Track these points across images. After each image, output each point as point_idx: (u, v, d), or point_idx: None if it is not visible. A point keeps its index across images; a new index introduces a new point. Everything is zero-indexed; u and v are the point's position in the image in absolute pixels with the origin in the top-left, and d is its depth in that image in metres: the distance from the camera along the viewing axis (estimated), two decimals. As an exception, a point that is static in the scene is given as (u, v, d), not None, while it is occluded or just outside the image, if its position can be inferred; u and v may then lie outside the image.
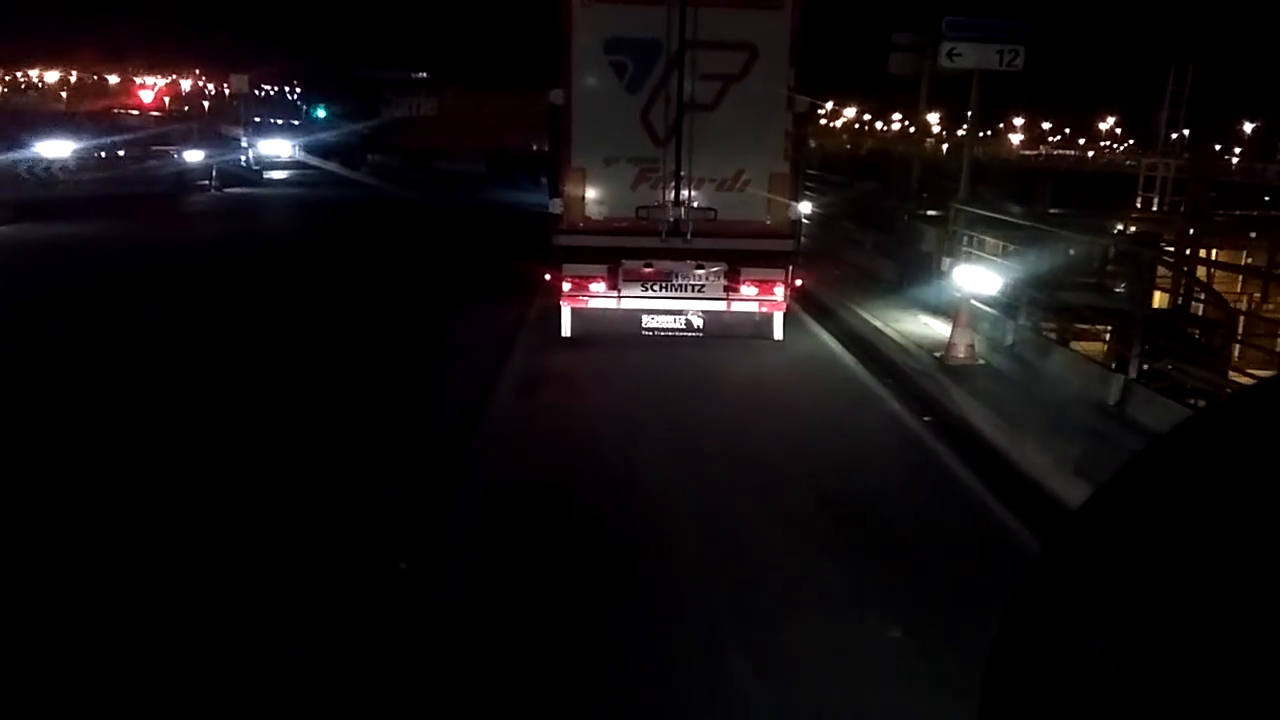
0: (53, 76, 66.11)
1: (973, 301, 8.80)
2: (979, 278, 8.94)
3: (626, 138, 8.51)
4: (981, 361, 8.54)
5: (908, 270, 12.16)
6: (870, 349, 9.45)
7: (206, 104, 50.26)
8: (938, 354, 8.70)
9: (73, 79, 64.97)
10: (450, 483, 5.49)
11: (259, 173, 31.35)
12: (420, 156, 33.51)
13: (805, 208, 17.56)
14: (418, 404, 7.31)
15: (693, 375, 8.25)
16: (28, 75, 67.29)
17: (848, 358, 9.30)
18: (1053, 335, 9.74)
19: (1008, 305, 9.21)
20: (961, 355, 8.48)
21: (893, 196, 20.30)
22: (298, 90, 35.42)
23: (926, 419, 7.22)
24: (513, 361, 8.60)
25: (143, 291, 11.68)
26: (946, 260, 11.06)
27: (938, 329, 9.63)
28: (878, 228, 15.33)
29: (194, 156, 27.15)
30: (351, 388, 7.63)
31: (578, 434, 6.70)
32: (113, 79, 57.59)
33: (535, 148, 32.01)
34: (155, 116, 32.95)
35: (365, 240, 17.33)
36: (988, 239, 12.27)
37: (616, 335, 8.99)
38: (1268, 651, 0.82)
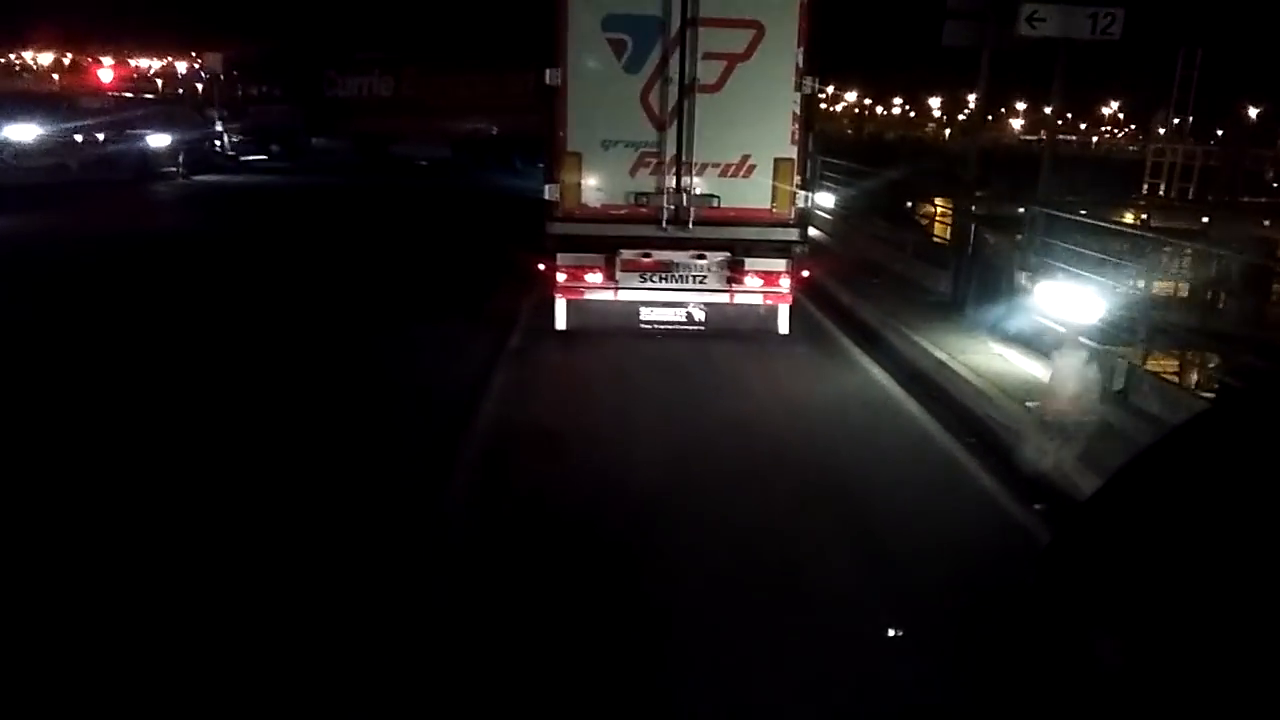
0: (47, 59, 65.00)
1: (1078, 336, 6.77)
2: (1069, 299, 7.04)
3: (625, 120, 8.25)
4: (1092, 416, 6.35)
5: (965, 283, 10.23)
6: (937, 391, 7.70)
7: (172, 85, 48.66)
8: (1030, 403, 6.80)
9: (66, 61, 63.91)
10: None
11: (235, 158, 30.11)
12: (372, 140, 32.02)
13: (827, 200, 16.71)
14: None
15: (711, 419, 6.77)
16: (21, 57, 66.16)
17: (909, 403, 7.45)
18: (1174, 376, 8.35)
19: (1113, 336, 7.31)
20: (1065, 407, 6.33)
21: (921, 188, 19.72)
22: (234, 72, 33.94)
23: (1038, 507, 5.39)
24: (479, 424, 6.57)
25: (31, 293, 10.27)
26: (1022, 274, 9.15)
27: (1019, 365, 7.94)
28: (915, 226, 14.37)
29: (160, 140, 25.49)
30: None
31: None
32: (106, 60, 56.47)
33: (496, 131, 30.66)
34: (121, 97, 30.58)
35: (329, 235, 15.81)
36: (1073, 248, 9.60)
37: (613, 329, 8.75)
38: (1273, 648, 0.82)
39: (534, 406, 7.19)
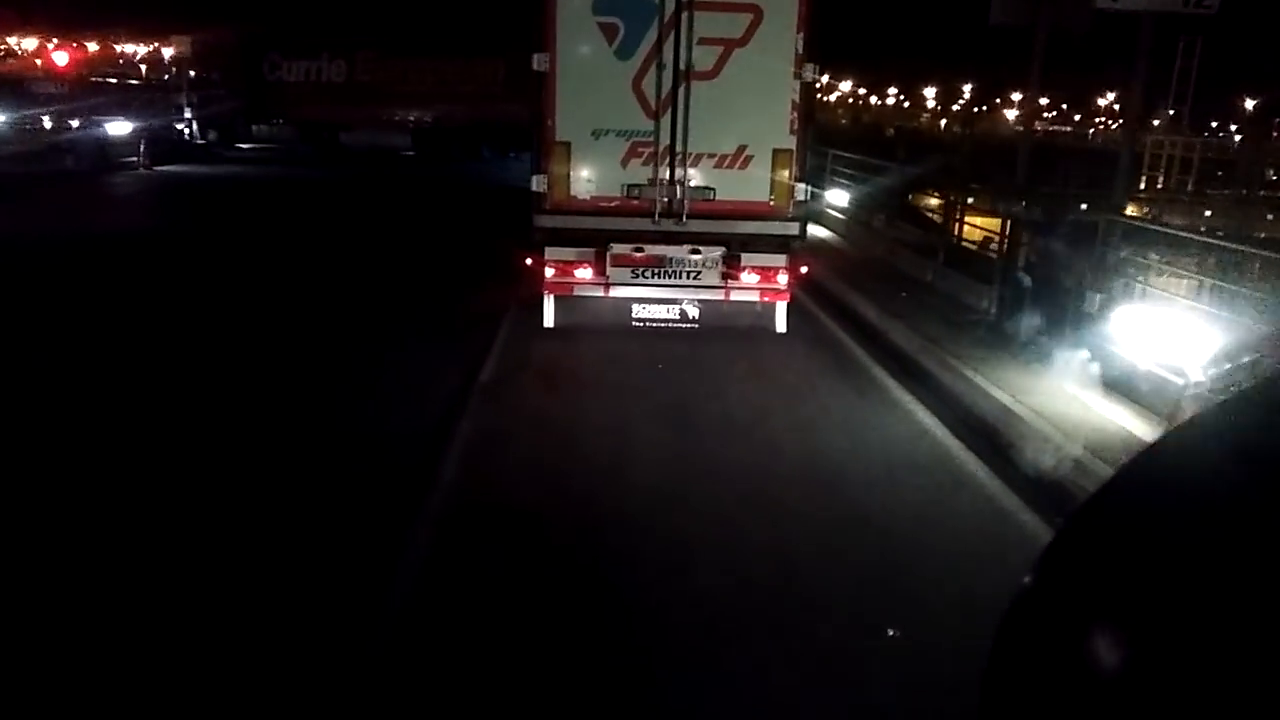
0: (31, 43, 64.10)
1: (1193, 387, 5.60)
2: (1165, 331, 5.80)
3: (616, 109, 7.99)
4: None
5: (1015, 302, 8.83)
6: (1005, 447, 6.14)
7: (136, 70, 47.16)
8: None
9: (51, 45, 63.04)
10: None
11: (204, 147, 29.18)
12: (318, 128, 30.56)
13: (839, 199, 16.31)
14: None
15: (731, 496, 5.31)
16: (5, 42, 65.22)
17: (972, 464, 5.88)
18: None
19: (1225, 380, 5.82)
20: None
21: (943, 185, 19.06)
22: (165, 60, 32.62)
23: None
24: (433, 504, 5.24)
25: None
26: (1096, 296, 7.80)
27: (1104, 414, 6.39)
28: (939, 229, 13.02)
29: (120, 128, 24.24)
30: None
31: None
32: (92, 46, 55.32)
33: (462, 119, 29.00)
34: (79, 82, 28.96)
35: (292, 233, 14.72)
36: (1155, 264, 8.19)
37: (604, 326, 8.51)
38: (1274, 650, 0.82)
39: (504, 476, 5.55)
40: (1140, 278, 7.77)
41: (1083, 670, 0.94)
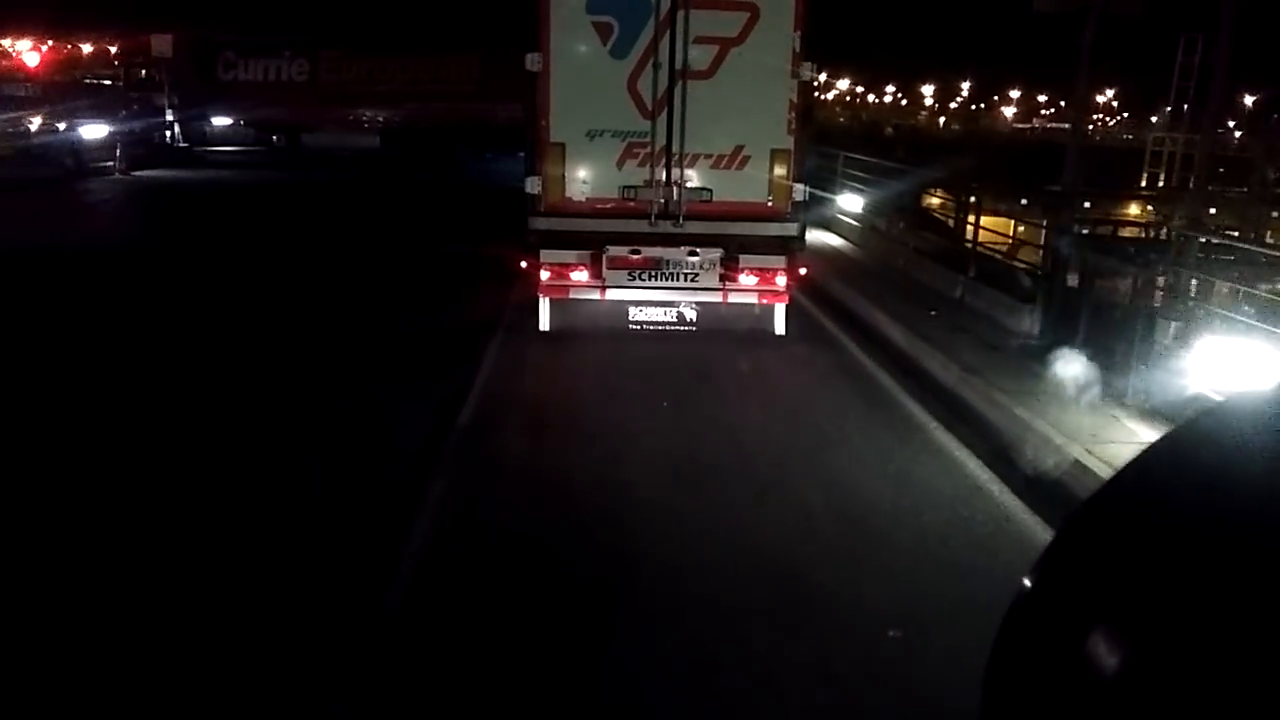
0: (25, 44, 63.60)
1: None
2: (1265, 370, 4.96)
3: (612, 109, 7.95)
4: None
5: (1065, 326, 7.96)
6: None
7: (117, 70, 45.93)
8: None
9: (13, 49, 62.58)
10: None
11: (188, 150, 28.39)
12: (276, 130, 29.74)
13: (853, 205, 15.51)
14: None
15: (758, 591, 4.35)
16: None
17: (1041, 532, 4.82)
18: None
19: None
20: None
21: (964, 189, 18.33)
22: (116, 61, 30.60)
23: None
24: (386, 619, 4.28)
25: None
26: (1169, 324, 6.78)
27: None
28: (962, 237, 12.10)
29: (95, 132, 23.49)
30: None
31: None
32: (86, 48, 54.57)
33: (435, 119, 28.15)
34: (53, 84, 27.90)
35: (268, 243, 13.67)
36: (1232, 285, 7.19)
37: (600, 330, 8.46)
38: (1275, 651, 0.82)
39: (479, 562, 4.51)
40: (1218, 302, 6.63)
41: (1083, 672, 0.94)
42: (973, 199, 12.53)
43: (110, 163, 22.64)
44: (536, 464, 5.84)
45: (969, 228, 11.66)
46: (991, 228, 12.23)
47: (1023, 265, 11.15)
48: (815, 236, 14.66)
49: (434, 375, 7.52)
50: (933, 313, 9.44)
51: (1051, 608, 1.03)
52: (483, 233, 11.99)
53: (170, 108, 28.72)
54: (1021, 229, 14.78)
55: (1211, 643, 0.87)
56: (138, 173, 22.74)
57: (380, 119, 29.85)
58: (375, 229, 15.40)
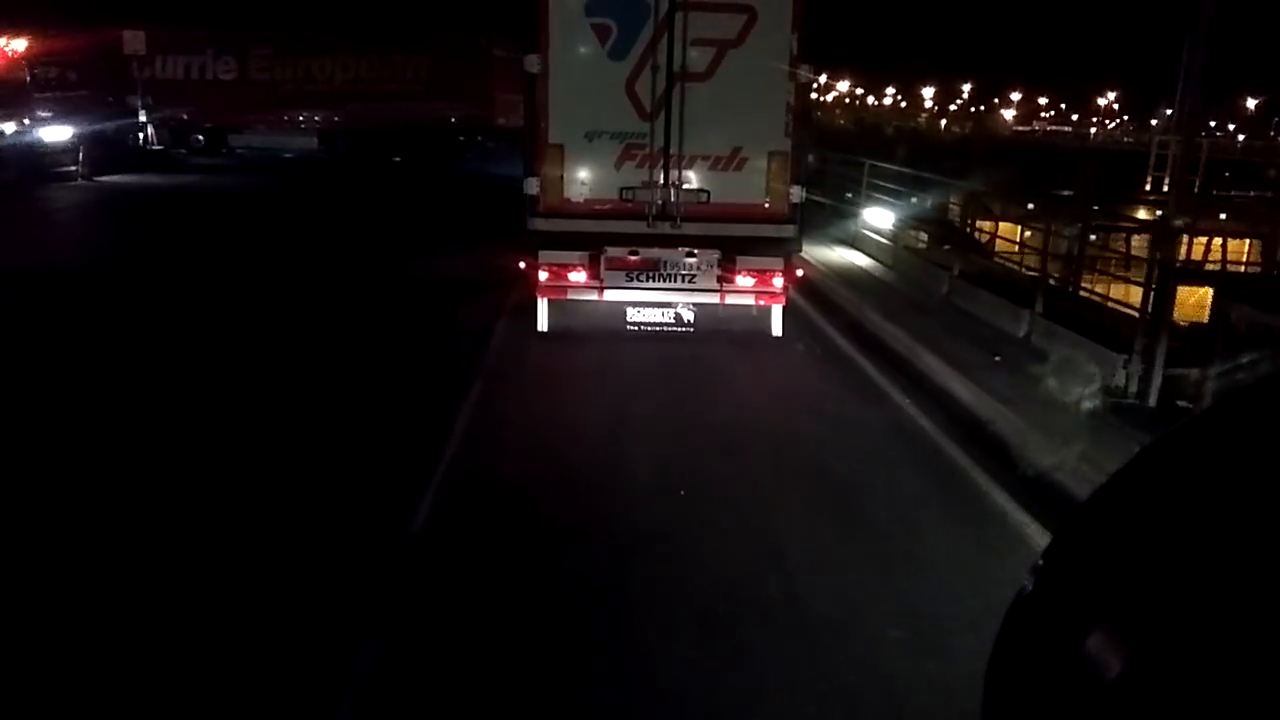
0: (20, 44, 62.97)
1: None
2: None
3: (610, 110, 8.05)
4: None
5: (1179, 384, 6.77)
6: None
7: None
8: None
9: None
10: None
11: (162, 153, 27.25)
12: (193, 131, 28.42)
13: (882, 220, 13.91)
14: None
15: None
16: None
17: None
18: None
19: None
20: None
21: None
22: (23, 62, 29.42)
23: None
24: None
25: None
26: None
27: None
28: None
29: (57, 134, 22.04)
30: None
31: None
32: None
33: (381, 120, 26.45)
34: (14, 84, 25.47)
35: (235, 260, 12.50)
36: None
37: (598, 331, 8.57)
38: (1273, 651, 0.83)
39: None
40: None
41: (1083, 672, 0.95)
42: (1032, 218, 10.90)
43: (73, 167, 21.31)
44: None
45: (1024, 252, 10.51)
46: (1012, 235, 11.44)
47: (1099, 298, 9.84)
48: (839, 255, 13.49)
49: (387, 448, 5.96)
50: (996, 358, 7.98)
51: (1051, 608, 1.04)
52: (457, 250, 11.88)
53: (144, 108, 27.74)
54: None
55: (1210, 642, 0.88)
56: (102, 178, 21.46)
57: (317, 119, 28.55)
58: (349, 244, 14.13)
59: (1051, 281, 9.70)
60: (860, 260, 13.29)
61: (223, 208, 18.73)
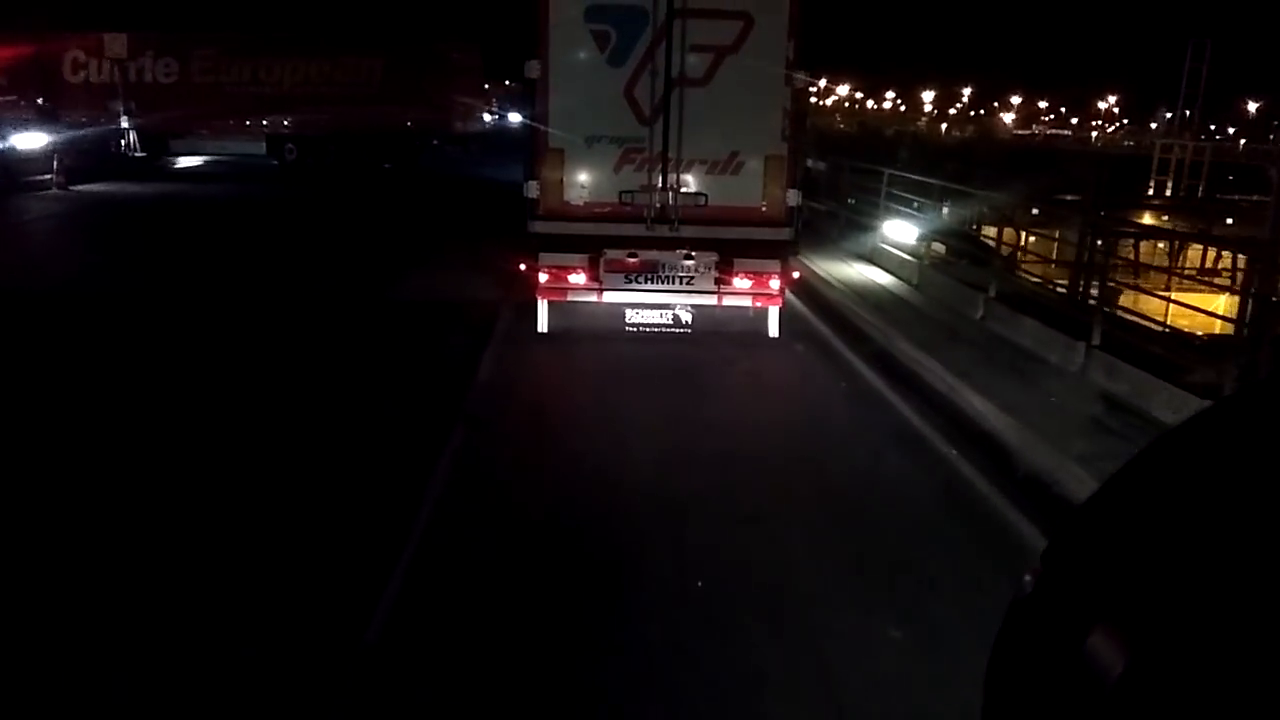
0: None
1: None
2: None
3: (609, 115, 8.24)
4: None
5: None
6: None
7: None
8: None
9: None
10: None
11: (145, 160, 26.65)
12: (127, 134, 27.14)
13: (905, 235, 12.82)
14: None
15: None
16: None
17: None
18: None
19: None
20: None
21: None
22: None
23: None
24: None
25: None
26: None
27: None
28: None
29: (31, 141, 21.51)
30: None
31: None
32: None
33: (332, 125, 25.62)
34: None
35: (217, 281, 11.65)
36: None
37: (597, 332, 8.76)
38: (1272, 650, 0.83)
39: None
40: None
41: (1083, 671, 0.97)
42: (1096, 235, 9.67)
43: (48, 175, 20.63)
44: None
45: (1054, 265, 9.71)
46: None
47: (1160, 326, 8.84)
48: (858, 272, 12.44)
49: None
50: (1052, 398, 7.13)
51: (1051, 608, 1.06)
52: (436, 270, 11.34)
53: (126, 114, 26.80)
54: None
55: (1210, 641, 0.89)
56: (79, 187, 20.75)
57: (265, 124, 27.51)
58: (330, 260, 13.35)
59: (1091, 301, 8.78)
60: (881, 278, 12.28)
61: (200, 217, 18.17)
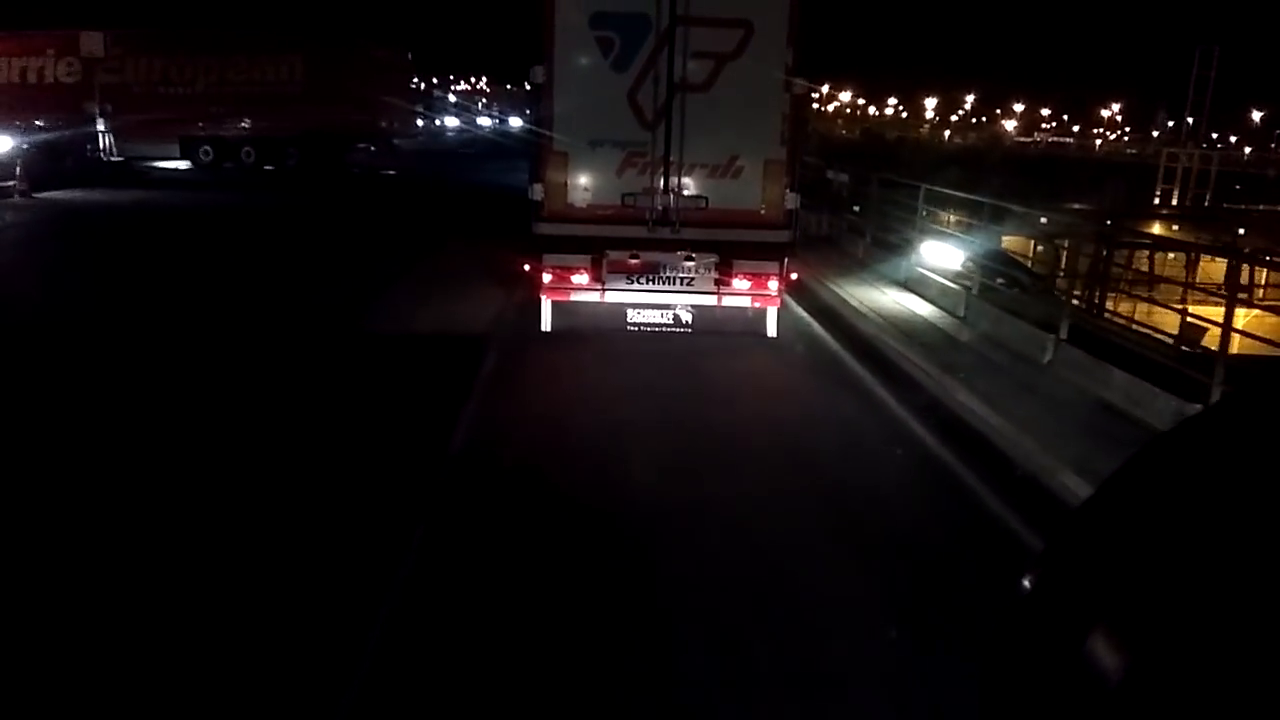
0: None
1: None
2: None
3: (613, 119, 8.51)
4: None
5: None
6: None
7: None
8: None
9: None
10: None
11: (123, 164, 25.87)
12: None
13: (943, 257, 11.55)
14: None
15: None
16: None
17: None
18: None
19: None
20: None
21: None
22: None
23: None
24: None
25: None
26: None
27: None
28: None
29: None
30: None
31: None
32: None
33: (252, 126, 25.51)
34: None
35: (174, 306, 10.54)
36: None
37: (599, 331, 9.03)
38: (1271, 650, 0.84)
39: None
40: None
41: (1082, 672, 0.97)
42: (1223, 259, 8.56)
43: (10, 182, 19.70)
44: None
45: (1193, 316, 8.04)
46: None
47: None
48: (894, 300, 11.10)
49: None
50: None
51: (1050, 608, 1.06)
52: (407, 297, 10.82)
53: (101, 116, 25.92)
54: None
55: (1209, 641, 0.89)
56: (43, 194, 19.89)
57: (179, 125, 26.75)
58: (291, 283, 12.23)
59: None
60: (921, 308, 10.85)
61: (169, 227, 17.40)
